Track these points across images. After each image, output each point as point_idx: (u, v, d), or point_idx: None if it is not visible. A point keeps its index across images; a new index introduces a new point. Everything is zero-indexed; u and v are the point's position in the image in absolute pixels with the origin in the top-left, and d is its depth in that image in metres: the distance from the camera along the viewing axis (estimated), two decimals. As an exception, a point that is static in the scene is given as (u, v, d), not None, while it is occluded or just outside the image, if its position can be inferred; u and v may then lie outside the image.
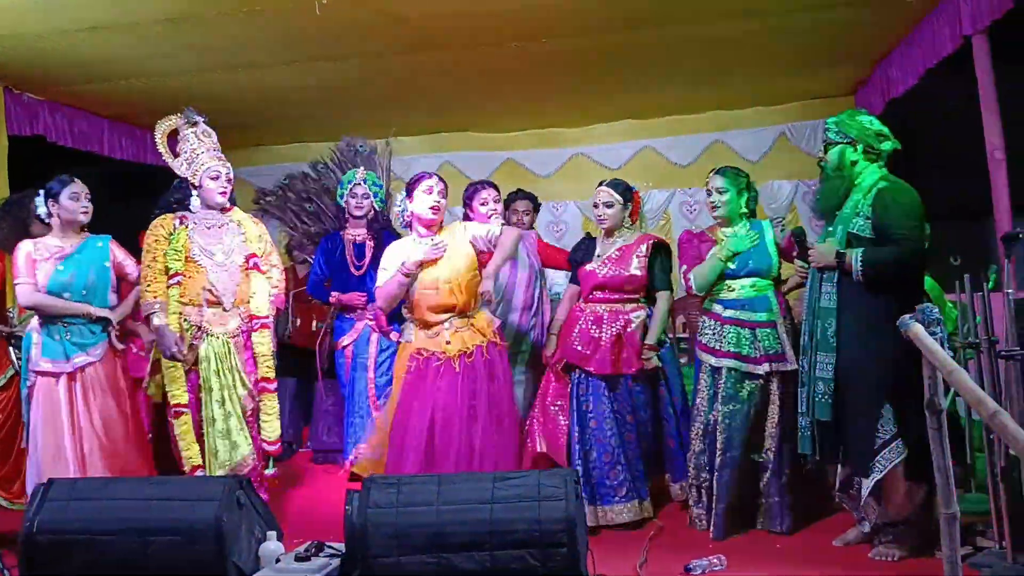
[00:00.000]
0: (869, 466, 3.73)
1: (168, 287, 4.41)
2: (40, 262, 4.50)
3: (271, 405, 4.60)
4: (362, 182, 5.66)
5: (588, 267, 4.72)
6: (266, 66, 5.87)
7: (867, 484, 3.76)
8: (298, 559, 3.50)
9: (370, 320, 5.53)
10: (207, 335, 4.45)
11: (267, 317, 4.62)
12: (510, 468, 4.27)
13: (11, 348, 5.06)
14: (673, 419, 4.69)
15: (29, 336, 4.56)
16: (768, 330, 4.34)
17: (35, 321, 4.55)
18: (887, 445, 3.70)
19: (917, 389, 2.88)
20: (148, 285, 4.36)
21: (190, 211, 4.57)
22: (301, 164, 6.77)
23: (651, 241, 4.68)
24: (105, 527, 3.58)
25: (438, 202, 4.49)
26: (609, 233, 4.77)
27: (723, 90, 7.20)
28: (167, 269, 4.41)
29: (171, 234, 4.49)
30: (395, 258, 4.50)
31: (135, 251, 4.73)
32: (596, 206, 4.75)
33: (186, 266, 4.44)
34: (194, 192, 4.56)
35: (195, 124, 4.55)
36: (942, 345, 2.90)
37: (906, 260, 3.71)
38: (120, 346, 4.61)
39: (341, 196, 5.72)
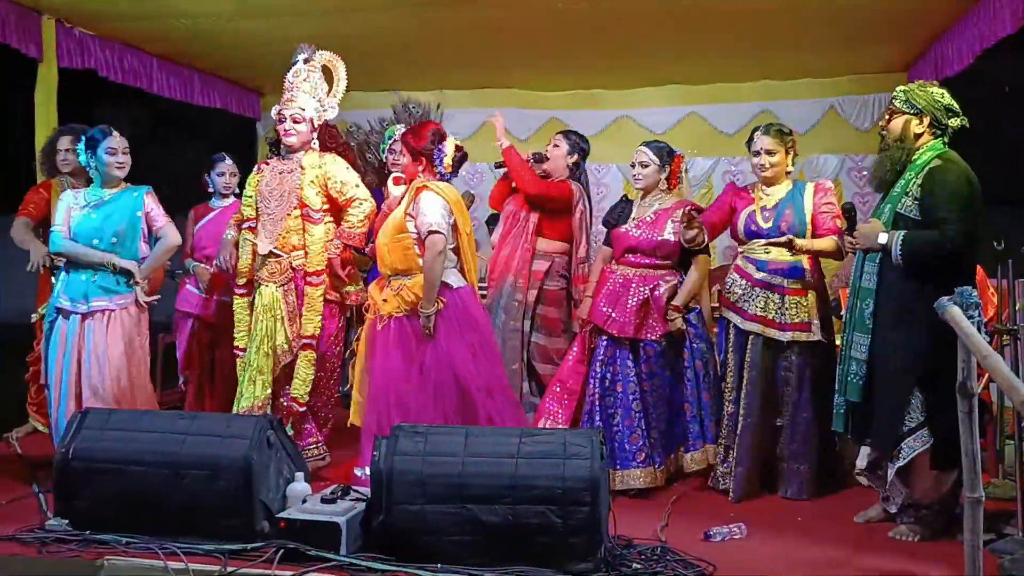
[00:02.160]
0: (895, 451, 3.72)
1: (245, 230, 4.63)
2: (75, 210, 4.50)
3: (304, 365, 4.59)
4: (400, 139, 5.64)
5: (622, 228, 4.69)
6: (313, 14, 5.85)
7: (891, 469, 3.76)
8: (324, 501, 3.56)
9: None
10: (259, 283, 4.57)
11: (318, 273, 4.59)
12: None
13: (54, 279, 5.14)
14: (693, 385, 4.60)
15: (59, 275, 4.58)
16: (797, 298, 4.34)
17: (64, 261, 4.57)
18: (913, 433, 3.68)
19: (948, 379, 2.85)
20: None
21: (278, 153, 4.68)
22: (357, 112, 6.76)
23: (688, 207, 4.51)
24: (137, 458, 3.69)
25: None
26: (645, 194, 4.74)
27: (772, 60, 7.09)
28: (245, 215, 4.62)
29: (251, 183, 4.66)
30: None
31: (191, 192, 4.80)
32: (633, 165, 4.73)
33: (255, 214, 4.61)
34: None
35: (293, 65, 4.61)
36: (979, 329, 2.87)
37: (948, 245, 3.58)
38: (147, 300, 4.55)
39: (383, 151, 5.73)
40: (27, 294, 5.60)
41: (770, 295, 4.35)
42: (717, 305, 6.40)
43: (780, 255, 4.39)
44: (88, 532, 3.62)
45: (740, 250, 4.58)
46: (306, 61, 4.63)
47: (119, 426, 3.82)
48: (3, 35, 5.32)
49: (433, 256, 4.16)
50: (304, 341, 4.59)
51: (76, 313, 4.43)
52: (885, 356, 3.74)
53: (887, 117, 3.88)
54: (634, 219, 4.69)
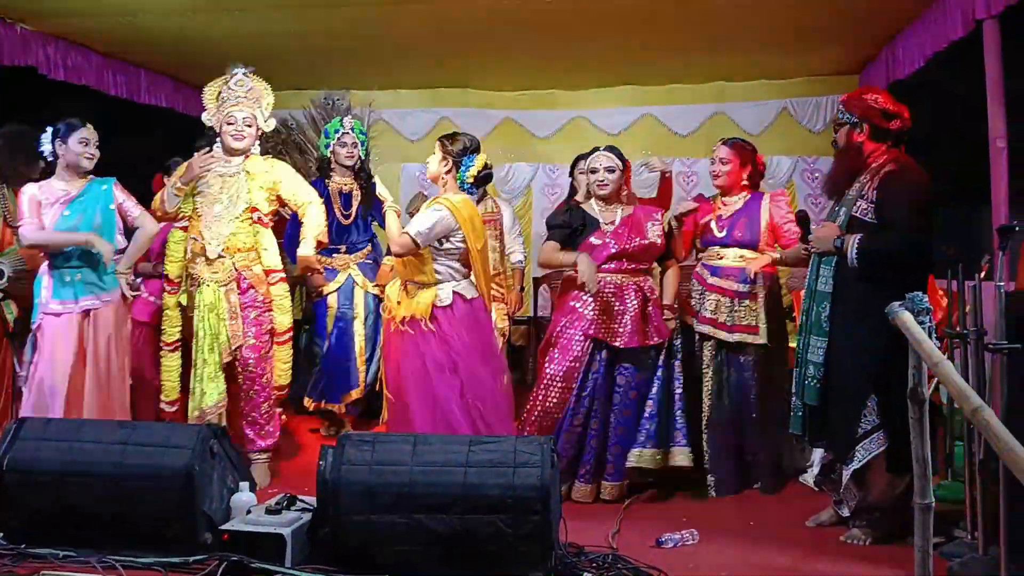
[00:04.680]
0: (849, 454, 3.72)
1: (176, 229, 4.69)
2: (46, 206, 4.49)
3: (282, 355, 4.78)
4: (350, 130, 5.61)
5: (595, 240, 4.44)
6: (258, 10, 5.75)
7: (846, 472, 3.75)
8: (269, 511, 3.49)
9: (355, 272, 5.57)
10: (200, 283, 4.59)
11: (280, 271, 4.73)
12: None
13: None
14: (680, 384, 4.55)
15: (39, 281, 4.55)
16: (747, 302, 4.49)
17: (45, 265, 4.55)
18: (868, 435, 3.68)
19: (903, 383, 2.84)
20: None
21: (213, 156, 4.66)
22: (295, 111, 6.69)
23: (663, 211, 4.59)
24: (76, 468, 3.59)
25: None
26: (608, 201, 4.53)
27: (726, 61, 7.12)
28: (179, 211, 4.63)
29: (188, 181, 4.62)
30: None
31: (134, 191, 4.74)
32: (595, 171, 4.50)
33: (192, 212, 4.63)
34: (218, 139, 4.69)
35: (233, 76, 4.68)
36: (929, 335, 2.86)
37: (904, 249, 3.60)
38: (131, 293, 4.64)
39: (327, 146, 5.66)
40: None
41: (721, 298, 4.52)
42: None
43: (733, 261, 4.53)
44: (23, 546, 3.51)
45: (698, 257, 4.74)
46: (245, 75, 4.71)
47: (57, 436, 3.71)
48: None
49: (394, 242, 4.23)
50: (283, 337, 4.75)
51: (70, 314, 4.45)
52: (841, 359, 3.74)
53: (834, 128, 3.93)
54: (606, 226, 4.48)
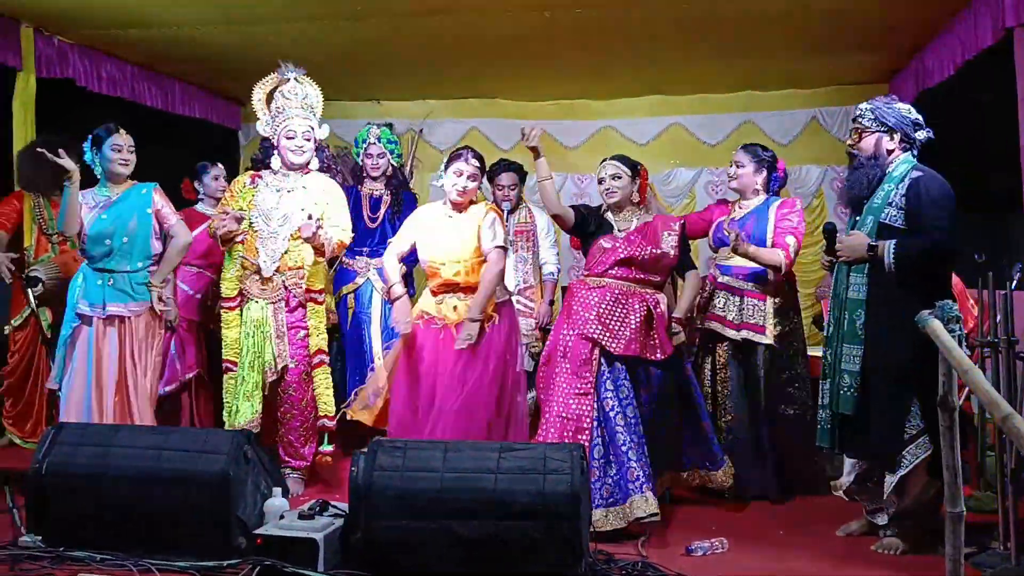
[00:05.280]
0: (896, 461, 3.69)
1: (227, 244, 4.60)
2: (87, 210, 4.52)
3: (322, 379, 4.69)
4: (376, 140, 5.62)
5: (605, 243, 4.38)
6: (291, 22, 5.82)
7: (892, 479, 3.71)
8: (301, 516, 3.52)
9: (373, 276, 5.57)
10: (248, 299, 4.57)
11: (320, 291, 4.70)
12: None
13: (27, 290, 5.10)
14: (704, 402, 4.53)
15: (75, 281, 4.60)
16: (756, 301, 4.64)
17: (84, 265, 4.60)
18: (915, 439, 3.65)
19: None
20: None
21: (271, 170, 4.64)
22: (339, 121, 6.73)
23: (681, 221, 4.51)
24: (113, 472, 3.65)
25: (465, 187, 4.48)
26: (620, 208, 4.47)
27: (755, 70, 7.11)
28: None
29: (241, 192, 4.62)
30: (412, 226, 4.56)
31: (172, 200, 4.81)
32: (602, 180, 4.46)
33: (248, 228, 4.57)
34: (275, 151, 4.63)
35: (286, 81, 4.60)
36: (959, 343, 2.86)
37: (938, 252, 3.64)
38: (161, 307, 4.62)
39: (357, 155, 5.72)
40: (1, 307, 5.55)
41: (730, 296, 4.70)
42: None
43: (742, 261, 4.63)
44: (62, 548, 3.57)
45: (712, 257, 4.92)
46: (297, 80, 4.64)
47: (94, 440, 3.77)
48: (-20, 45, 5.28)
49: (497, 270, 4.40)
50: (319, 358, 4.69)
51: (95, 318, 4.47)
52: (880, 366, 3.71)
53: (856, 136, 3.89)
54: (620, 232, 4.42)
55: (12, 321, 5.41)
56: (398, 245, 4.59)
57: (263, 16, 5.70)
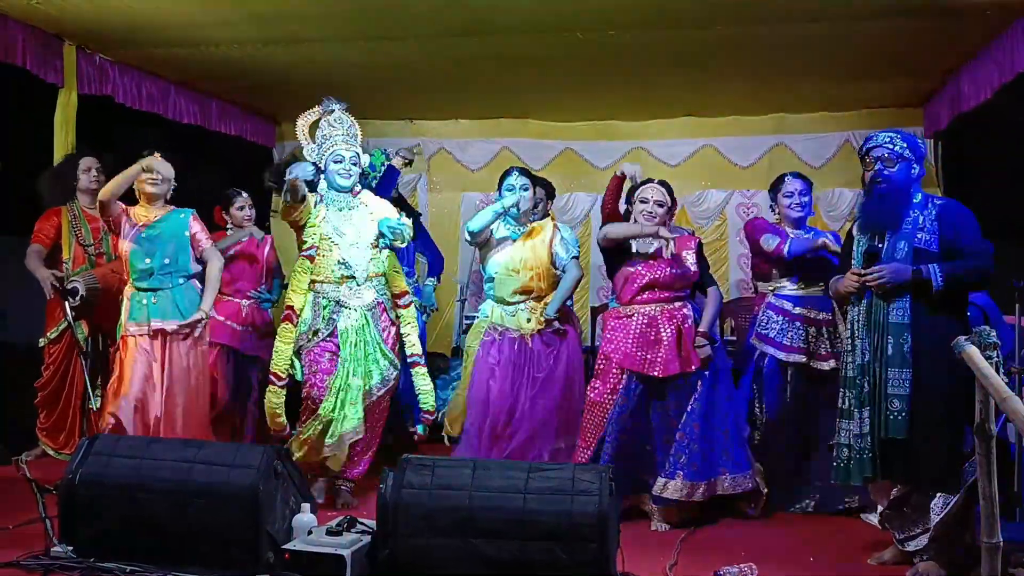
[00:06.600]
0: (951, 484, 3.64)
1: (301, 257, 4.73)
2: (129, 228, 4.74)
3: (422, 378, 4.94)
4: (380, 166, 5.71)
5: (632, 268, 4.60)
6: (326, 42, 5.89)
7: (949, 501, 3.65)
8: (329, 532, 3.53)
9: None
10: (343, 308, 4.68)
11: (408, 294, 4.94)
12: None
13: (65, 302, 5.17)
14: (732, 415, 4.61)
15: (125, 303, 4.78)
16: (830, 328, 4.87)
17: (127, 289, 4.78)
18: (970, 459, 3.58)
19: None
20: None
21: (318, 193, 4.82)
22: (372, 141, 6.78)
23: (697, 239, 4.78)
24: (144, 484, 3.67)
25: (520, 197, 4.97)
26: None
27: (787, 93, 7.08)
28: (303, 243, 4.71)
29: (316, 211, 4.74)
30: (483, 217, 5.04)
31: (205, 218, 5.00)
32: (646, 201, 4.58)
33: (320, 242, 4.69)
34: (322, 176, 4.80)
35: (330, 112, 4.80)
36: (997, 370, 2.83)
37: (979, 273, 3.71)
38: (206, 340, 4.88)
39: (373, 179, 5.77)
40: (36, 320, 5.63)
41: (808, 328, 4.88)
42: (732, 338, 6.39)
43: (810, 289, 4.92)
44: (92, 559, 3.60)
45: (770, 287, 5.03)
46: (341, 112, 4.84)
47: (127, 452, 3.81)
48: (24, 61, 5.36)
49: (578, 274, 5.03)
50: (414, 358, 4.91)
51: (143, 335, 4.66)
52: (931, 389, 3.68)
53: (885, 162, 3.88)
54: (640, 256, 4.62)
55: (48, 334, 5.50)
56: None
57: (299, 37, 5.77)
